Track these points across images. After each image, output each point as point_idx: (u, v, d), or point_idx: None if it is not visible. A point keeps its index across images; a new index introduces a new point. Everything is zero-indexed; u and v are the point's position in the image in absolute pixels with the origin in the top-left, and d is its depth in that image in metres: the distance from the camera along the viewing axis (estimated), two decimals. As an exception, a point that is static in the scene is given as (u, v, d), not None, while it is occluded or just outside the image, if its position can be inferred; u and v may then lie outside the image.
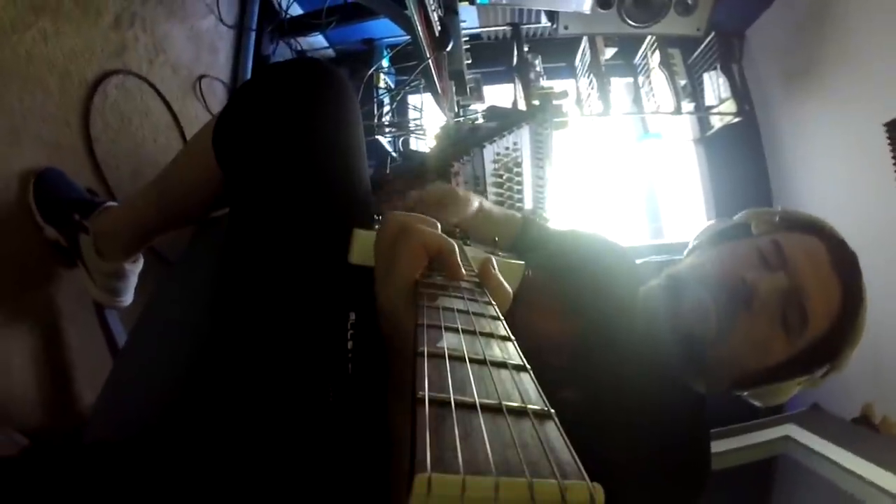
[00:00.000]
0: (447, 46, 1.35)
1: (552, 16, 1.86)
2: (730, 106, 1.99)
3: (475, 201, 0.73)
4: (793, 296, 0.60)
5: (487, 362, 0.22)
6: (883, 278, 1.09)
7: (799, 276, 0.60)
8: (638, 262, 0.84)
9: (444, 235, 0.35)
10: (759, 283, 0.60)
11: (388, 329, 0.37)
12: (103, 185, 1.07)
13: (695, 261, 0.70)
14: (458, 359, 0.22)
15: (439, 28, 1.32)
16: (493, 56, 2.25)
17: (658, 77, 2.05)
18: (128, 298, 0.96)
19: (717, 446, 1.52)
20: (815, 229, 0.67)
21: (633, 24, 1.76)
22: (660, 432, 0.57)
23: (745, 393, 0.70)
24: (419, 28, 1.21)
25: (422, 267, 0.34)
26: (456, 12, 1.49)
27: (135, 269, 0.94)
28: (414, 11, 1.16)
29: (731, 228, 0.73)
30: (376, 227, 0.38)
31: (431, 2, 1.24)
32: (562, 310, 0.66)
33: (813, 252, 0.63)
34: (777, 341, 0.61)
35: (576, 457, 0.16)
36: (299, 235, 0.56)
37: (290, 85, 0.60)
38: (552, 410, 0.19)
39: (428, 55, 1.30)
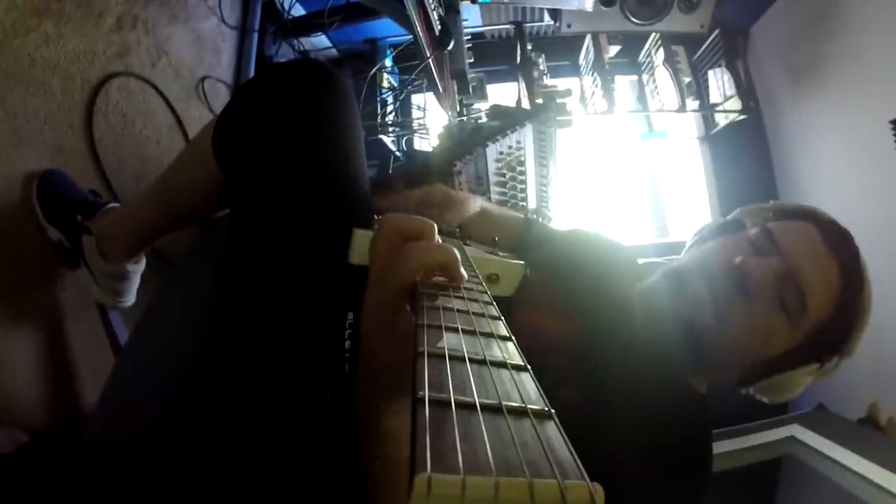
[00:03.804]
0: (448, 46, 1.34)
1: (555, 14, 1.86)
2: (735, 103, 1.98)
3: (475, 202, 0.73)
4: (788, 278, 0.60)
5: (487, 362, 0.22)
6: (888, 276, 1.08)
7: (792, 258, 0.61)
8: (640, 261, 0.84)
9: (443, 247, 0.32)
10: (751, 266, 0.60)
11: (369, 328, 0.35)
12: (106, 186, 1.07)
13: (689, 257, 0.71)
14: (458, 359, 0.22)
15: (439, 27, 1.32)
16: (497, 55, 2.24)
17: (662, 75, 2.04)
18: (130, 299, 0.97)
19: (722, 447, 1.51)
20: (806, 214, 0.68)
21: (636, 21, 1.76)
22: (663, 431, 0.57)
23: (753, 388, 0.69)
24: (418, 27, 1.21)
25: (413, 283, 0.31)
26: (457, 11, 1.49)
27: (137, 270, 0.95)
28: (413, 10, 1.16)
29: (724, 225, 0.74)
30: (376, 227, 0.37)
31: (431, 1, 1.24)
32: (563, 309, 0.66)
33: (804, 234, 0.64)
34: (780, 327, 0.60)
35: (576, 456, 0.16)
36: (299, 235, 0.56)
37: (289, 86, 0.60)
38: (552, 410, 0.18)
39: (428, 54, 1.30)
